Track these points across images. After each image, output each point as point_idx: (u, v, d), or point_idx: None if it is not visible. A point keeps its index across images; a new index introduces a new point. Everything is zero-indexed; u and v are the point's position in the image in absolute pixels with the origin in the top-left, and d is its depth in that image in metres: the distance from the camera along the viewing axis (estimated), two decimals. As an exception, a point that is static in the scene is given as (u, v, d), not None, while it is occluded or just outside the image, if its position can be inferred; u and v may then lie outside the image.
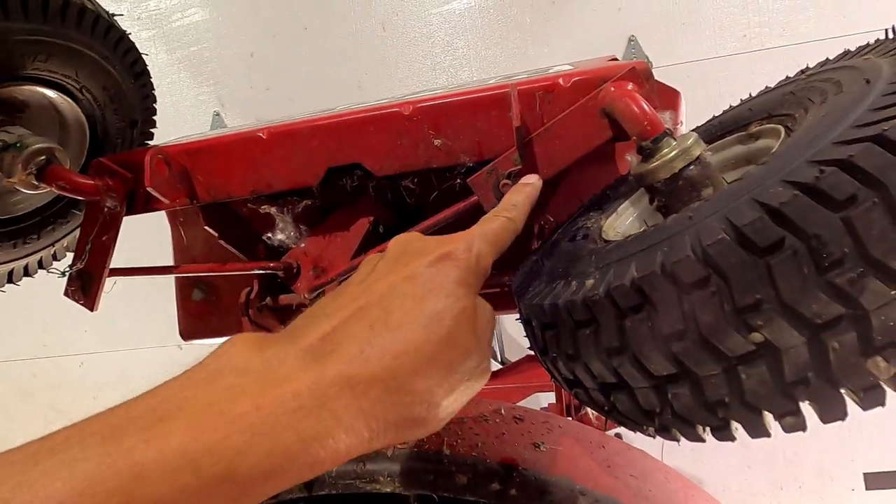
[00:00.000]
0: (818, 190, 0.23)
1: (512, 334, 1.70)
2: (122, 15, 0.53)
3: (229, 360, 0.22)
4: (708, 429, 0.29)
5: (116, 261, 0.59)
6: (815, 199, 0.23)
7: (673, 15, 1.60)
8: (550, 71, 0.52)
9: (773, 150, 0.33)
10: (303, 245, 0.55)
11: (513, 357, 1.67)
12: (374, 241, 0.55)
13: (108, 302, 0.62)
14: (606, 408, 0.34)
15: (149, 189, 0.49)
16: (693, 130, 0.50)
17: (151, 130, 0.63)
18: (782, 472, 1.78)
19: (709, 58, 1.60)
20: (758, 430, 0.27)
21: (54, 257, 0.66)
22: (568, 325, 0.32)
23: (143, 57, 0.55)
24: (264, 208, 0.55)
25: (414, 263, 0.27)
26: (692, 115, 0.63)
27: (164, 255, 0.74)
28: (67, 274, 0.57)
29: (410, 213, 0.57)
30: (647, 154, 0.37)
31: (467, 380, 0.26)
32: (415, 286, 0.26)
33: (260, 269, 0.55)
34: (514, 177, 0.44)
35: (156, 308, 1.84)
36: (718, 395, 0.27)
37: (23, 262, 0.61)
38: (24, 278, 0.65)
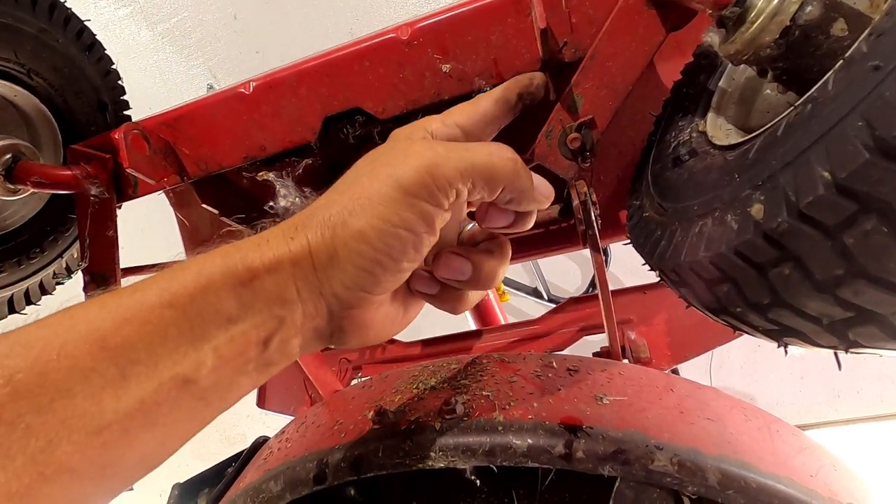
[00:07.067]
0: None
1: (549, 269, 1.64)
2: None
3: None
4: None
5: (149, 256, 0.54)
6: None
7: None
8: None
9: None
10: (311, 211, 0.49)
11: (559, 294, 1.63)
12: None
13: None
14: (844, 346, 0.26)
15: (129, 171, 0.43)
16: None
17: (126, 112, 0.56)
18: (838, 380, 1.72)
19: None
20: None
21: (68, 270, 0.61)
22: (749, 273, 0.25)
23: (87, 25, 0.47)
24: (262, 175, 0.49)
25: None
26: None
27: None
28: (75, 276, 0.53)
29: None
30: (735, 21, 0.29)
31: (399, 257, 0.28)
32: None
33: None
34: (585, 127, 0.36)
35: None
36: None
37: (35, 280, 0.56)
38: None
